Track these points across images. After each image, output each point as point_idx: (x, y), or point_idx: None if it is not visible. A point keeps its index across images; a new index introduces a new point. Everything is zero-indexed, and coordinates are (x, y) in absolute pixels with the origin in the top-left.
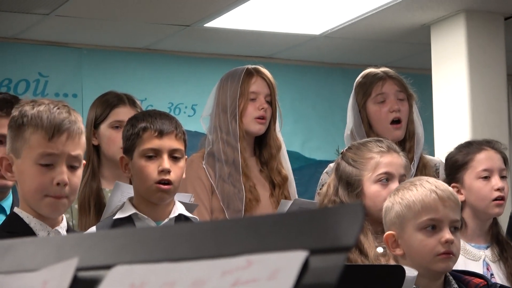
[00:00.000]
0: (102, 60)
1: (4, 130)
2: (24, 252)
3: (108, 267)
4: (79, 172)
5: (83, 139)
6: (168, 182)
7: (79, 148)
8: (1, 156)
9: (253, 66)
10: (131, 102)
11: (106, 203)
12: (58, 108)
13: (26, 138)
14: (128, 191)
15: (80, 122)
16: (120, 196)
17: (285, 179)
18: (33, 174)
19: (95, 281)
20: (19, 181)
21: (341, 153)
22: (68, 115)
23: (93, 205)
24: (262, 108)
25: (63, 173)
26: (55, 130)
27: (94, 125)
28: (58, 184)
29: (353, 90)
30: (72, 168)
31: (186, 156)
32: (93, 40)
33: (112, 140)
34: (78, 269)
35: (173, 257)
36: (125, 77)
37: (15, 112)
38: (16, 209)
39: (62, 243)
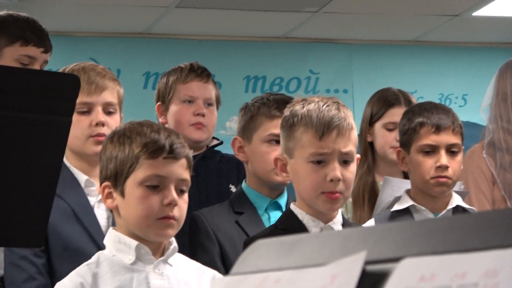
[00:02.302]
0: (372, 54)
1: None
2: (311, 247)
3: (396, 259)
4: (352, 167)
5: (354, 134)
6: (446, 177)
7: (350, 144)
8: (275, 157)
9: None
10: (407, 102)
11: None
12: (328, 106)
13: (298, 138)
14: (398, 185)
15: (350, 118)
16: (390, 191)
17: None
18: (306, 172)
19: (384, 274)
20: (294, 181)
21: None
22: (337, 112)
23: (367, 199)
24: None
25: (335, 169)
26: (325, 128)
27: (369, 122)
28: (331, 180)
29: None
30: (345, 163)
31: (463, 147)
32: (362, 35)
33: (384, 140)
34: (367, 262)
35: (463, 247)
36: (394, 70)
37: (286, 112)
38: (292, 205)
39: (349, 236)
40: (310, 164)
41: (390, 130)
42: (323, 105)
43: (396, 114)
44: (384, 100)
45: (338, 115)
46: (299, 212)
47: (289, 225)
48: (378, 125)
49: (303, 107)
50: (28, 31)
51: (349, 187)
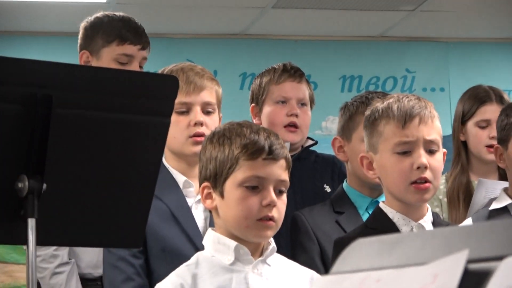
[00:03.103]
0: (468, 52)
1: None
2: (412, 246)
3: (499, 258)
4: (439, 156)
5: (438, 123)
6: None
7: (434, 132)
8: (361, 155)
9: None
10: (499, 98)
11: None
12: (407, 97)
13: (381, 131)
14: (493, 187)
15: (431, 107)
16: (484, 193)
17: None
18: (393, 164)
19: (487, 273)
20: (382, 176)
21: None
22: (418, 101)
23: (462, 199)
24: None
25: (420, 156)
26: (407, 117)
27: (461, 121)
28: (418, 168)
29: None
30: (430, 152)
31: None
32: (458, 33)
33: (478, 139)
34: (469, 261)
35: None
36: (491, 68)
37: (367, 112)
38: (381, 204)
39: (450, 235)
40: (395, 155)
41: (482, 127)
42: (402, 98)
43: (488, 111)
44: (475, 97)
45: (419, 103)
46: (389, 211)
47: (379, 224)
48: (470, 124)
49: (383, 102)
50: (124, 30)
51: (437, 177)
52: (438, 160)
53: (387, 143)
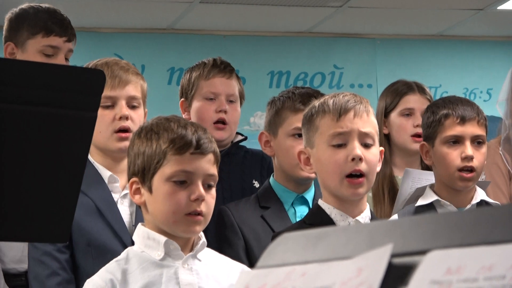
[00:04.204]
0: (396, 49)
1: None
2: (337, 240)
3: (423, 252)
4: (374, 150)
5: (373, 119)
6: (471, 169)
7: (369, 126)
8: (299, 151)
9: None
10: (421, 89)
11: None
12: (343, 94)
13: (317, 126)
14: (419, 177)
15: (366, 103)
16: (411, 183)
17: None
18: (328, 156)
19: (410, 267)
20: (318, 170)
21: None
22: (353, 96)
23: (387, 192)
24: None
25: (355, 148)
26: (341, 110)
27: (384, 114)
28: (353, 159)
29: None
30: (366, 146)
31: (486, 142)
32: (386, 30)
33: (402, 128)
34: (393, 255)
35: (490, 240)
36: (418, 65)
37: (305, 110)
38: (319, 201)
39: (375, 229)
40: (330, 148)
41: (407, 115)
42: (338, 94)
43: (410, 100)
44: (396, 90)
45: (354, 98)
46: (327, 207)
47: (317, 219)
48: (394, 115)
49: (320, 100)
50: (50, 21)
51: (372, 171)
52: (373, 154)
53: (322, 136)
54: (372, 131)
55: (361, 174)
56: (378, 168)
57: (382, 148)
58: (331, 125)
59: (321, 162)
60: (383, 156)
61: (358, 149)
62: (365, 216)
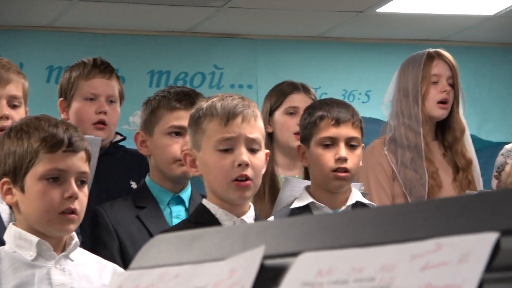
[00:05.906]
0: (276, 50)
1: (183, 122)
2: (211, 242)
3: (295, 254)
4: (260, 155)
5: (260, 123)
6: (345, 170)
7: (256, 131)
8: (184, 152)
9: (434, 49)
10: (306, 89)
11: (280, 189)
12: (231, 97)
13: (204, 129)
14: (298, 185)
15: (254, 107)
16: (290, 191)
17: (469, 162)
18: (214, 161)
19: (282, 269)
20: (204, 173)
21: None
22: (241, 100)
23: (267, 190)
24: (444, 91)
25: (242, 154)
26: (229, 115)
27: (269, 113)
28: (239, 165)
29: None
30: (252, 151)
31: (362, 144)
32: (266, 31)
33: (286, 126)
34: (265, 257)
35: (361, 242)
36: (299, 66)
37: (193, 111)
38: (204, 201)
39: (248, 231)
40: (217, 152)
41: (291, 114)
42: (226, 96)
43: (295, 99)
44: (281, 90)
45: (242, 102)
46: (211, 207)
47: (202, 219)
48: (278, 113)
49: (207, 101)
50: None
51: (258, 175)
52: (259, 159)
53: (209, 140)
54: (259, 136)
55: (247, 178)
56: (263, 171)
57: (267, 150)
58: (219, 129)
59: (208, 166)
60: (268, 159)
61: (245, 155)
62: (250, 215)
